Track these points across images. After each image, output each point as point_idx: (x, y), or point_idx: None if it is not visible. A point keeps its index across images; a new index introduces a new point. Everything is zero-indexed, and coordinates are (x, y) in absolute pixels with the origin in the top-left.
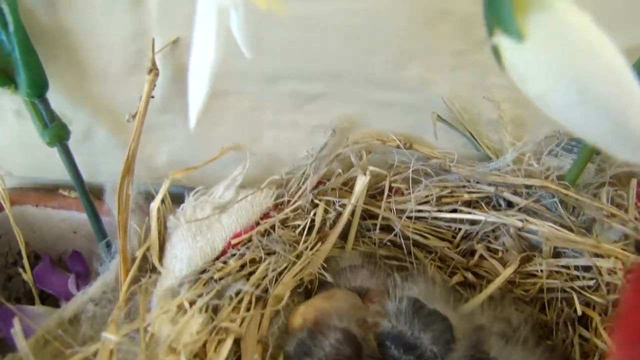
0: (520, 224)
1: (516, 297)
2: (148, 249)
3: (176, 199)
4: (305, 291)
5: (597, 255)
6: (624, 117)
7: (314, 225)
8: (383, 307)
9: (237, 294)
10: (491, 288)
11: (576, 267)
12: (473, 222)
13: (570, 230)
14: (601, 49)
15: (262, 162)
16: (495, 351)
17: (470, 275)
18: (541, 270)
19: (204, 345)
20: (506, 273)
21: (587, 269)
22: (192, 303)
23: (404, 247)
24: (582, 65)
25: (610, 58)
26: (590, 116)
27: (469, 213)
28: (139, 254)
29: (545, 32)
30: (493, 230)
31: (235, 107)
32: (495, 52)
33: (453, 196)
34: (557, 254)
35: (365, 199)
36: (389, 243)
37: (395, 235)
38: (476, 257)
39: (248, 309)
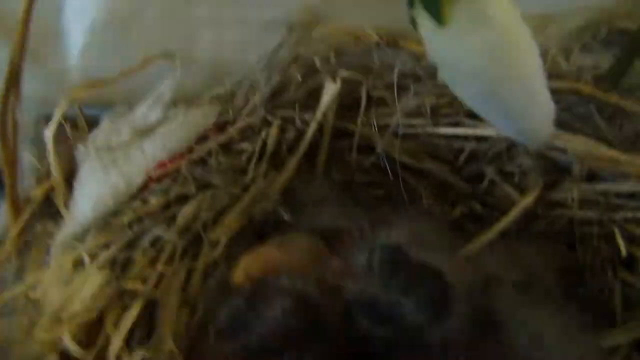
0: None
1: (537, 234)
2: (51, 189)
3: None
4: (258, 236)
5: None
6: (527, 118)
7: (266, 150)
8: (352, 259)
9: (154, 242)
10: (505, 222)
11: (618, 194)
12: (480, 139)
13: (611, 145)
14: (518, 52)
15: (199, 71)
16: (507, 311)
17: (477, 206)
18: (572, 199)
19: (102, 314)
20: (525, 202)
21: (632, 195)
22: (94, 257)
23: (390, 172)
24: (496, 65)
25: (525, 65)
26: (499, 114)
27: (475, 127)
28: (33, 195)
29: (468, 22)
30: (508, 149)
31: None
32: (413, 23)
33: (452, 106)
34: (592, 177)
35: (336, 113)
36: (371, 168)
37: (378, 157)
38: (485, 182)
39: (170, 263)
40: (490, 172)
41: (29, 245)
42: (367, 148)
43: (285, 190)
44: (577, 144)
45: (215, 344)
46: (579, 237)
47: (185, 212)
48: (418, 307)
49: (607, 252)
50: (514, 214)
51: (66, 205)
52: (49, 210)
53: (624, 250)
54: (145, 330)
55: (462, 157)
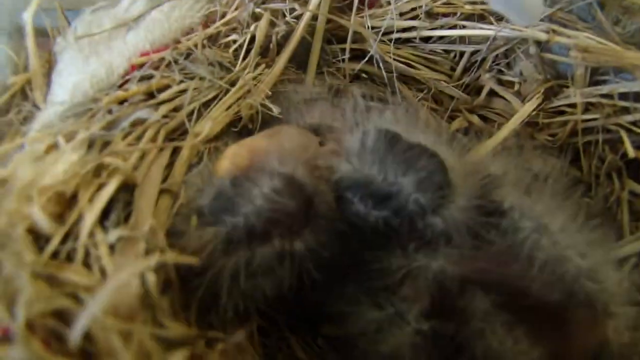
0: (544, 37)
1: (539, 146)
2: (28, 81)
3: None
4: (246, 132)
5: None
6: None
7: (255, 44)
8: (343, 145)
9: (135, 124)
10: (505, 131)
11: (623, 96)
12: (478, 43)
13: (615, 43)
14: None
15: None
16: (511, 202)
17: (476, 119)
18: (573, 105)
19: (77, 192)
20: (525, 110)
21: (638, 97)
22: (70, 139)
23: (385, 78)
24: None
25: None
26: None
27: (472, 28)
28: (11, 84)
29: None
30: (506, 55)
31: None
32: None
33: (450, 4)
34: (595, 82)
35: (329, 12)
36: (364, 75)
37: (372, 62)
38: (484, 93)
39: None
40: (489, 80)
41: (3, 135)
42: (362, 54)
43: (276, 87)
44: (579, 41)
45: (197, 229)
46: (582, 146)
47: (169, 98)
48: (418, 184)
49: (613, 159)
50: (514, 121)
51: (44, 97)
52: (27, 102)
53: (631, 152)
54: (123, 213)
55: (459, 66)
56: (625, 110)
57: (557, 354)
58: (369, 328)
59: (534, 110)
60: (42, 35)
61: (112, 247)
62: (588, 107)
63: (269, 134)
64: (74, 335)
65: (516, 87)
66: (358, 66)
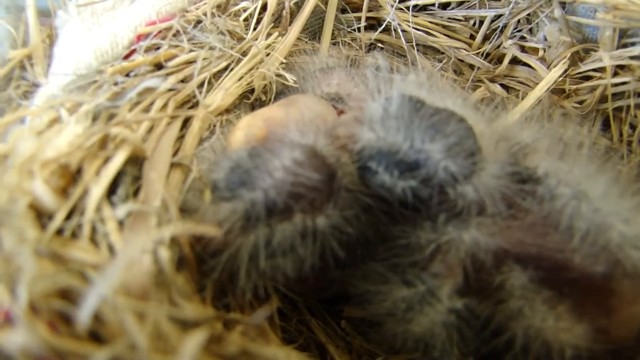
0: None
1: (567, 114)
2: (28, 56)
3: None
4: (259, 104)
5: None
6: None
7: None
8: (364, 112)
9: (143, 94)
10: (531, 98)
11: None
12: (500, 8)
13: None
14: None
15: None
16: (546, 169)
17: (498, 88)
18: (601, 69)
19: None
20: (552, 76)
21: None
22: (74, 112)
23: (404, 48)
24: None
25: None
26: None
27: None
28: (10, 58)
29: None
30: (528, 19)
31: None
32: None
33: None
34: (623, 45)
35: None
36: (380, 45)
37: (389, 32)
38: (506, 60)
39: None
40: (511, 47)
41: (2, 111)
42: (378, 23)
43: (289, 57)
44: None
45: (212, 205)
46: (612, 113)
47: (177, 69)
48: (447, 151)
49: None
50: (541, 88)
51: (45, 71)
52: (27, 78)
53: None
54: (131, 188)
55: (480, 34)
56: None
57: (602, 329)
58: (398, 307)
59: (560, 76)
60: (43, 15)
61: (120, 223)
62: (617, 71)
63: (285, 104)
64: (83, 316)
65: (540, 53)
66: (374, 35)
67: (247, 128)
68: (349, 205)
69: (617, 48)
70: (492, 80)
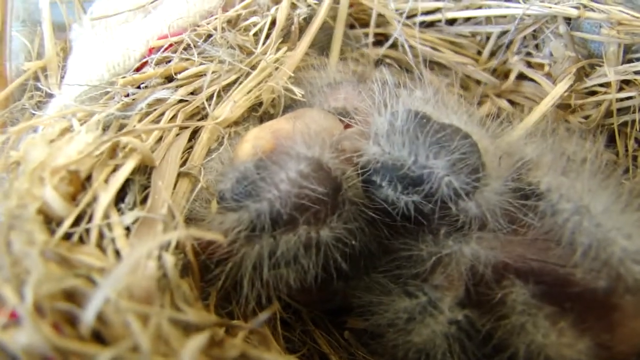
0: (575, 12)
1: (572, 130)
2: (43, 68)
3: None
4: (267, 117)
5: None
6: None
7: (276, 25)
8: (370, 126)
9: (153, 105)
10: (537, 113)
11: None
12: (506, 24)
13: None
14: None
15: None
16: (548, 184)
17: (504, 104)
18: (607, 85)
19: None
20: (557, 91)
21: None
22: (85, 122)
23: (411, 63)
24: None
25: None
26: None
27: (498, 7)
28: (25, 70)
29: None
30: (534, 35)
31: None
32: None
33: None
34: (628, 60)
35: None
36: (388, 61)
37: (396, 47)
38: (512, 76)
39: (169, 130)
40: (517, 63)
41: (16, 121)
42: (386, 39)
43: (298, 72)
44: (611, 15)
45: (218, 215)
46: (617, 127)
47: (187, 82)
48: (451, 167)
49: None
50: (546, 103)
51: (59, 83)
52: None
53: None
54: (139, 196)
55: (486, 49)
56: None
57: (605, 344)
58: (400, 318)
59: (565, 91)
60: (59, 29)
61: (127, 230)
62: (622, 86)
63: (293, 117)
64: (87, 317)
65: (546, 68)
66: (382, 50)
67: (254, 140)
68: (353, 218)
69: (622, 63)
70: (498, 96)
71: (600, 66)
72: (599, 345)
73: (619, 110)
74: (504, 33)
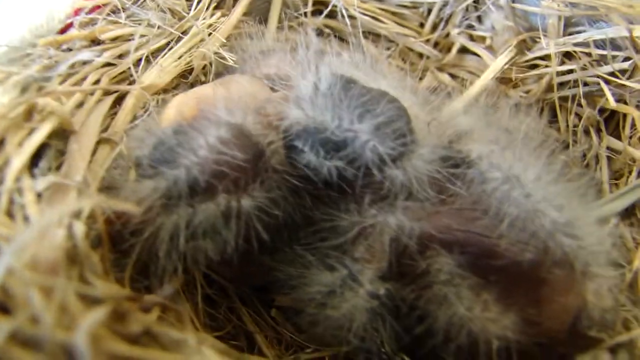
0: None
1: (514, 105)
2: None
3: None
4: (198, 85)
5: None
6: None
7: None
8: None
9: (75, 66)
10: (477, 86)
11: (599, 44)
12: None
13: None
14: None
15: None
16: (480, 154)
17: (446, 77)
18: (548, 58)
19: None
20: (497, 64)
21: (616, 46)
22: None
23: (350, 34)
24: None
25: None
26: None
27: None
28: None
29: None
30: (476, 7)
31: None
32: None
33: None
34: (569, 34)
35: None
36: (328, 30)
37: (336, 16)
38: (454, 49)
39: (92, 94)
40: (458, 36)
41: None
42: (324, 7)
43: (232, 40)
44: None
45: (134, 183)
46: (558, 102)
47: (114, 45)
48: (376, 131)
49: (590, 114)
50: (487, 76)
51: None
52: None
53: (612, 102)
54: (55, 162)
55: (428, 22)
56: (602, 60)
57: (532, 320)
58: (320, 292)
59: (506, 64)
60: None
61: (39, 196)
62: (563, 60)
63: (219, 83)
64: None
65: (487, 42)
66: (320, 19)
67: (179, 106)
68: (276, 186)
69: (563, 36)
70: (440, 70)
71: (540, 40)
72: (525, 321)
73: (560, 84)
74: (446, 4)
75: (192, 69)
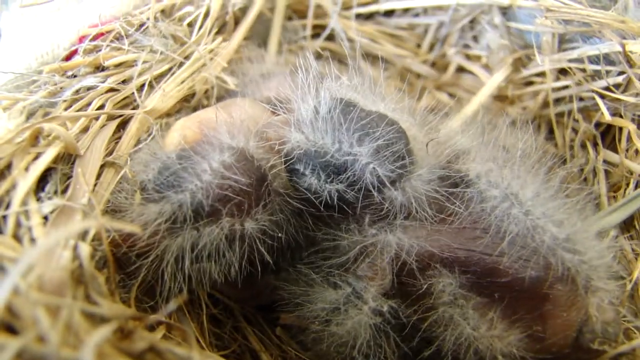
0: (506, 1)
1: (512, 122)
2: None
3: None
4: (201, 109)
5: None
6: None
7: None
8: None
9: (79, 92)
10: (474, 104)
11: (594, 59)
12: (442, 15)
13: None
14: None
15: None
16: (478, 173)
17: (444, 96)
18: (543, 75)
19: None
20: (494, 81)
21: (610, 61)
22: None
23: (350, 56)
24: None
25: None
26: None
27: None
28: None
29: None
30: (471, 27)
31: None
32: None
33: None
34: (563, 50)
35: None
36: (327, 53)
37: (335, 39)
38: (451, 69)
39: (96, 119)
40: (454, 54)
41: None
42: (322, 30)
43: (233, 64)
44: (540, 2)
45: (139, 207)
46: (555, 118)
47: (117, 71)
48: (376, 154)
49: (587, 129)
50: (484, 93)
51: None
52: None
53: (607, 116)
54: (61, 186)
55: (426, 42)
56: (596, 75)
57: (537, 336)
58: (324, 310)
59: (502, 81)
60: None
61: (45, 219)
62: (559, 76)
63: (221, 106)
64: None
65: (483, 60)
66: (319, 42)
67: (182, 130)
68: (278, 209)
69: (558, 53)
70: (438, 89)
71: (535, 57)
72: (530, 337)
73: (556, 100)
74: (442, 25)
75: (194, 93)
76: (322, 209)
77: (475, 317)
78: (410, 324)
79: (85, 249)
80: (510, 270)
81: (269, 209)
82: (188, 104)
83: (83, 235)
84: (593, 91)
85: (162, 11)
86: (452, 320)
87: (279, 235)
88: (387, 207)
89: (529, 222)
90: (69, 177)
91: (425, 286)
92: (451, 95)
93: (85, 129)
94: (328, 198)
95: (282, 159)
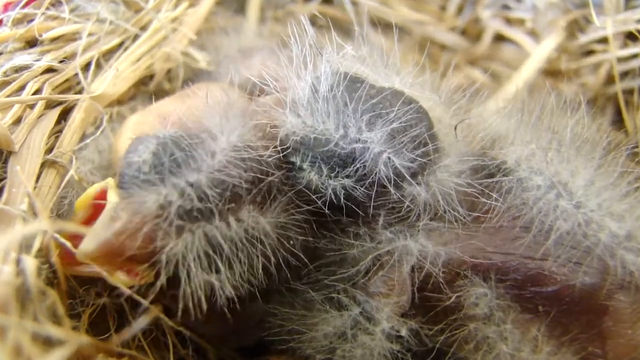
0: None
1: (567, 103)
2: None
3: None
4: (162, 94)
5: None
6: None
7: None
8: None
9: (9, 75)
10: (516, 82)
11: None
12: None
13: None
14: None
15: None
16: (518, 156)
17: (477, 73)
18: (606, 40)
19: None
20: (543, 50)
21: None
22: None
23: (354, 23)
24: None
25: None
26: None
27: None
28: None
29: None
30: None
31: None
32: None
33: None
34: (631, 8)
35: None
36: (322, 18)
37: (333, 2)
38: (486, 37)
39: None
40: (489, 18)
41: None
42: None
43: (203, 34)
44: None
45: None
46: (622, 94)
47: (56, 47)
48: (391, 141)
49: None
50: (529, 67)
51: None
52: None
53: None
54: None
55: (452, 2)
56: None
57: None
58: (327, 337)
59: (552, 50)
60: None
61: None
62: (626, 43)
63: (182, 96)
64: None
65: (528, 25)
66: (314, 5)
67: (135, 128)
68: (277, 201)
69: (624, 12)
70: (470, 64)
71: (595, 19)
72: None
73: (623, 73)
74: None
75: (153, 74)
76: (325, 211)
77: (515, 335)
78: (435, 348)
79: (30, 263)
80: (558, 276)
81: (269, 204)
82: (146, 87)
83: (27, 247)
84: None
85: None
86: (486, 340)
87: (271, 242)
88: (407, 206)
89: (581, 217)
90: (2, 179)
91: (452, 299)
92: (487, 72)
93: (18, 120)
94: (333, 197)
95: (276, 150)
